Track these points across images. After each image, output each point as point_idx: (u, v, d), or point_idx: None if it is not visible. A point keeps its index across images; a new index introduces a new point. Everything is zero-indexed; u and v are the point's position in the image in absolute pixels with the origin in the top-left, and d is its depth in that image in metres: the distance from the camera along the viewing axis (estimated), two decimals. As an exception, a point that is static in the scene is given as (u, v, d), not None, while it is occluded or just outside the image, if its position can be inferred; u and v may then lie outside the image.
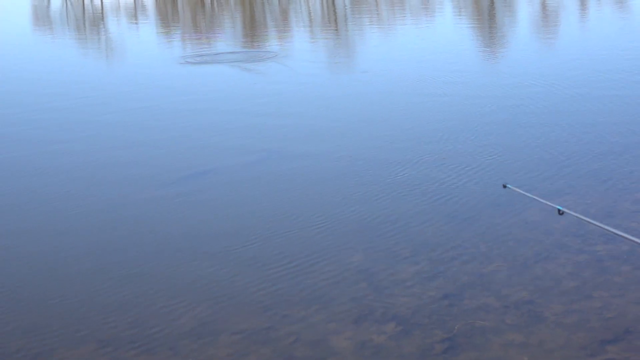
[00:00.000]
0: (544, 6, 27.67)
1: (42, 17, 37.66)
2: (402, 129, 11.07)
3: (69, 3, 37.55)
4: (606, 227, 3.73)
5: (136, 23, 33.78)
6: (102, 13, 36.87)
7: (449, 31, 24.43)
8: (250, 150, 10.22)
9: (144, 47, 24.09)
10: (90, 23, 34.93)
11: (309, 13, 31.31)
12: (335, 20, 30.44)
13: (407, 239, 6.93)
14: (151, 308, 5.89)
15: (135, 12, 36.85)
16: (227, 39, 25.61)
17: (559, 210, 4.19)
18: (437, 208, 7.64)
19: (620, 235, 3.49)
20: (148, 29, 25.65)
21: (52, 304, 6.04)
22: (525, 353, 4.99)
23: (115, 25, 32.82)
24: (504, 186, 5.37)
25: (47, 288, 6.32)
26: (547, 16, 26.85)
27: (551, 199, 6.93)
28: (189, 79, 17.13)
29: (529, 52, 18.64)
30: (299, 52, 21.00)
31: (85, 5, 38.17)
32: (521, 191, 5.02)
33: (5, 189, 9.08)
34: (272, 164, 9.58)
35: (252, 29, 29.07)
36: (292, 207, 7.91)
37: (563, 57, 17.21)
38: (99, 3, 39.29)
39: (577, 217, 4.03)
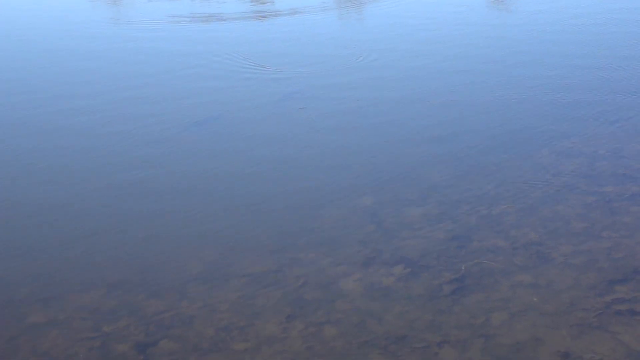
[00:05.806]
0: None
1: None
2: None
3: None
4: None
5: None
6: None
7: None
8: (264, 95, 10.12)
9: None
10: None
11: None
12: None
13: (414, 181, 6.90)
14: (160, 253, 5.90)
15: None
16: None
17: None
18: (445, 150, 7.59)
19: None
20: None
21: (62, 249, 6.05)
22: (534, 293, 4.99)
23: None
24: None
25: (57, 234, 6.33)
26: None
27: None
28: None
29: None
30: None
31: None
32: None
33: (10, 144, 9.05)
34: (280, 107, 9.50)
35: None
36: (299, 152, 7.87)
37: None
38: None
39: None
